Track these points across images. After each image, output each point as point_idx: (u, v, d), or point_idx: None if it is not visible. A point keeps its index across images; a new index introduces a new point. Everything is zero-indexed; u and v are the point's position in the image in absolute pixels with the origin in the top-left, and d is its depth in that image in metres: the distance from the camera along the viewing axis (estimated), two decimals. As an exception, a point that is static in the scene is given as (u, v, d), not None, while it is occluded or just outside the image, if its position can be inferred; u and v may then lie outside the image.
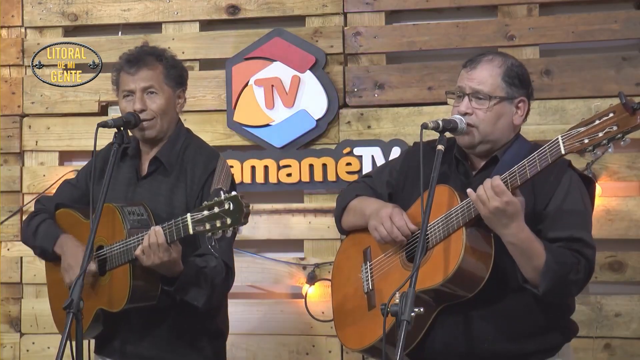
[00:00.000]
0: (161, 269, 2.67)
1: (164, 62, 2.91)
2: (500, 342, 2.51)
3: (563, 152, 2.29)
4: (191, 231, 2.54)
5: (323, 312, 3.91)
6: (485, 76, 2.56)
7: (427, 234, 2.52)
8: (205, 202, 2.52)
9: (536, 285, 2.42)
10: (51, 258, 2.99)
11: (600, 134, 2.23)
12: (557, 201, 2.50)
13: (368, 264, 2.70)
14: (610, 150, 2.26)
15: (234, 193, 2.47)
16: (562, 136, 2.30)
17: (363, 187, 2.86)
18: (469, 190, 2.41)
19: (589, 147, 2.25)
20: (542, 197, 2.51)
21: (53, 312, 3.11)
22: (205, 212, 2.50)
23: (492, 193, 2.36)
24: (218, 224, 2.48)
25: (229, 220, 2.46)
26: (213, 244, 2.57)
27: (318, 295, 3.93)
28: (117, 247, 2.75)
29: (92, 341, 2.97)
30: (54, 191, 4.12)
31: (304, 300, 3.91)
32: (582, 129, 2.27)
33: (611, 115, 2.23)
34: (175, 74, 2.93)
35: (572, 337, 2.64)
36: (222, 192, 2.50)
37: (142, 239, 2.65)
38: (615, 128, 2.21)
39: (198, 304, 2.76)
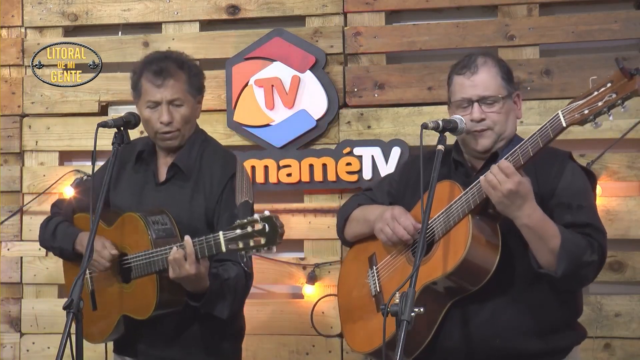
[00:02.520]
0: (187, 283, 2.68)
1: (185, 70, 2.92)
2: (512, 340, 2.51)
3: (564, 124, 2.33)
4: (224, 249, 2.55)
5: (323, 312, 3.91)
6: (488, 79, 2.60)
7: (432, 228, 2.54)
8: (238, 221, 2.52)
9: (552, 269, 2.41)
10: (70, 257, 3.00)
11: (600, 103, 2.27)
12: (564, 189, 2.53)
13: (374, 268, 2.72)
14: (610, 118, 2.29)
15: (267, 213, 2.49)
16: (562, 110, 2.34)
17: (364, 199, 2.89)
18: (481, 177, 2.43)
19: (589, 117, 2.28)
20: (547, 187, 2.53)
21: None
22: (238, 231, 2.51)
23: (502, 176, 2.38)
24: (251, 243, 2.49)
25: (263, 240, 2.48)
26: (245, 260, 2.61)
27: (318, 296, 3.93)
28: (143, 258, 2.76)
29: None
30: (53, 191, 4.17)
31: (311, 310, 3.92)
32: (581, 101, 2.31)
33: (609, 85, 2.27)
34: (197, 82, 2.97)
35: (581, 340, 2.64)
36: (256, 215, 2.49)
37: (169, 251, 2.66)
38: (614, 95, 2.25)
39: (222, 316, 2.79)
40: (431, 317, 2.51)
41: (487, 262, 2.45)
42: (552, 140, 2.36)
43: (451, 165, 2.69)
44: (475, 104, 2.58)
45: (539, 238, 2.41)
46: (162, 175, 2.95)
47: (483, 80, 2.59)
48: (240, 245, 2.51)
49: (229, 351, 2.96)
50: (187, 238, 2.63)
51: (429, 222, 2.53)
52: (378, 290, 2.68)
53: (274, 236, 2.47)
